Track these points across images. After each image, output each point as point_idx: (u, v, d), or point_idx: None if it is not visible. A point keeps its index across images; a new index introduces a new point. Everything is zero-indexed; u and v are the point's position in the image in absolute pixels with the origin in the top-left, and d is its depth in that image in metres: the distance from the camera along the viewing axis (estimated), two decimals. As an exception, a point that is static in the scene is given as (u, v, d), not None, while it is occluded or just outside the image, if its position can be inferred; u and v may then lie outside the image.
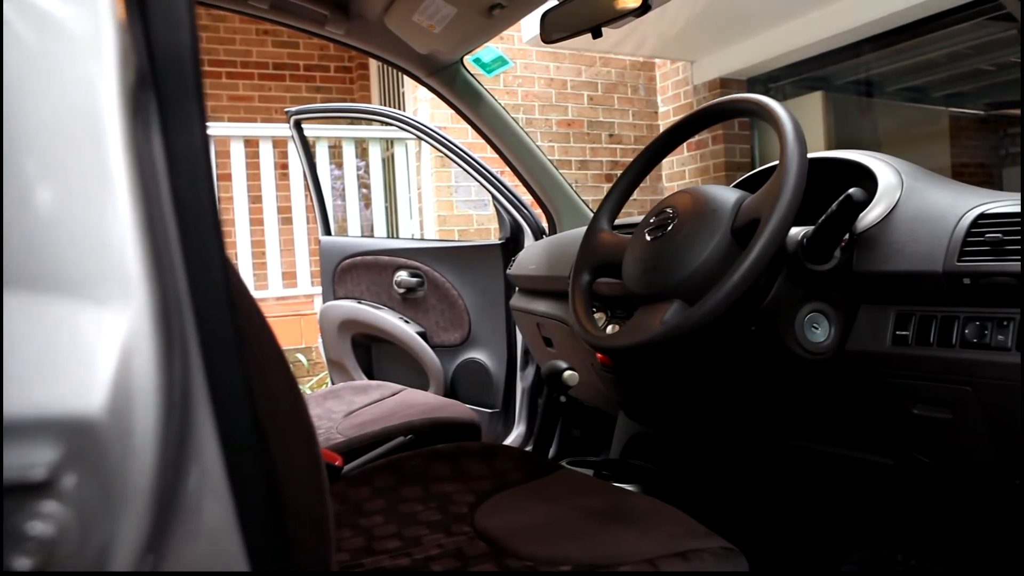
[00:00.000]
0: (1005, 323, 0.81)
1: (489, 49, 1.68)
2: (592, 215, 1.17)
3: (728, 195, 0.93)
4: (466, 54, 1.70)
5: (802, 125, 0.87)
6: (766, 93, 4.28)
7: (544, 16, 1.34)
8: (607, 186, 4.37)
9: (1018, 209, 0.82)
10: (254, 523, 0.33)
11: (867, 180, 0.99)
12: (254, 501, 0.33)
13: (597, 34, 1.27)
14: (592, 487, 0.97)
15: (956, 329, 0.85)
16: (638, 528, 0.83)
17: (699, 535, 0.81)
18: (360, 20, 1.57)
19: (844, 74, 3.98)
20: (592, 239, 1.11)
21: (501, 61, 1.71)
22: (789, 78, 4.10)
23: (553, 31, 1.34)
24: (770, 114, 0.89)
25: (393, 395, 1.61)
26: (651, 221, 1.00)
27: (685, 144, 4.45)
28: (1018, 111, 4.06)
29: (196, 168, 0.34)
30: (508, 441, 2.12)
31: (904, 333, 0.89)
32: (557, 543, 0.80)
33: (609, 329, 1.06)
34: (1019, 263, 0.78)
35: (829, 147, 3.89)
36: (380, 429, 1.24)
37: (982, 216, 0.84)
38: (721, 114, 1.01)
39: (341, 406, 1.57)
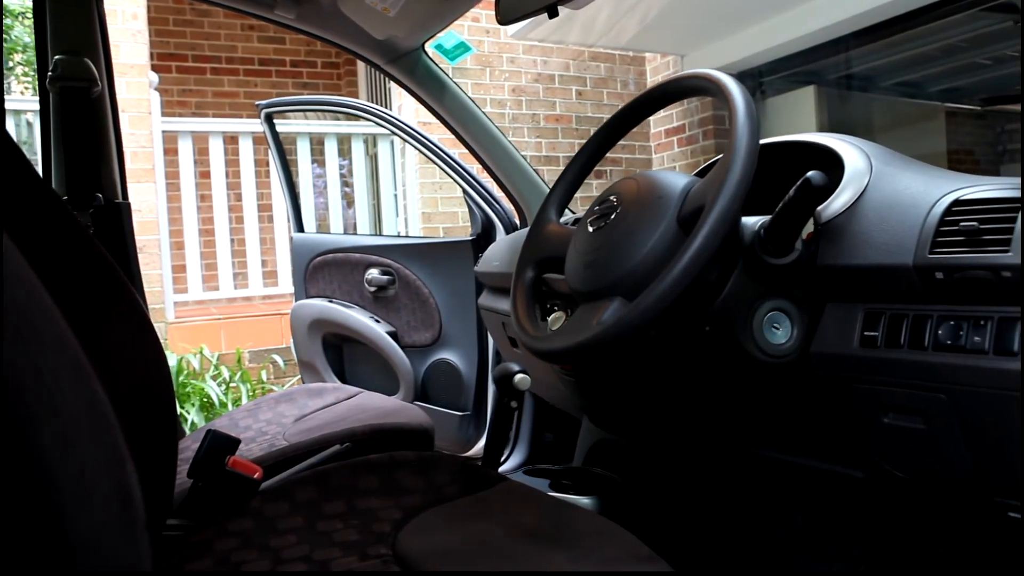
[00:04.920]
0: (982, 322, 0.73)
1: (451, 35, 1.59)
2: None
3: (676, 181, 0.85)
4: (427, 40, 1.62)
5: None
6: (758, 88, 4.21)
7: (499, -5, 1.26)
8: (596, 182, 4.29)
9: (997, 195, 0.74)
10: None
11: (836, 165, 0.91)
12: None
13: (553, 13, 1.19)
14: (534, 502, 0.89)
15: (929, 329, 0.77)
16: (574, 551, 0.75)
17: (640, 559, 0.72)
18: (312, 3, 1.49)
19: (837, 68, 3.89)
20: (538, 231, 1.02)
21: (464, 47, 1.62)
22: (781, 72, 4.01)
23: (508, 12, 1.26)
24: (722, 90, 0.81)
25: (348, 398, 1.52)
26: (595, 210, 0.92)
27: (676, 139, 4.37)
28: (1016, 106, 3.98)
29: None
30: (479, 445, 2.03)
31: (873, 334, 0.81)
32: (479, 568, 0.71)
33: None
34: (996, 254, 0.70)
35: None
36: (318, 437, 1.15)
37: (957, 203, 0.76)
38: (673, 93, 0.93)
39: (293, 410, 1.48)
